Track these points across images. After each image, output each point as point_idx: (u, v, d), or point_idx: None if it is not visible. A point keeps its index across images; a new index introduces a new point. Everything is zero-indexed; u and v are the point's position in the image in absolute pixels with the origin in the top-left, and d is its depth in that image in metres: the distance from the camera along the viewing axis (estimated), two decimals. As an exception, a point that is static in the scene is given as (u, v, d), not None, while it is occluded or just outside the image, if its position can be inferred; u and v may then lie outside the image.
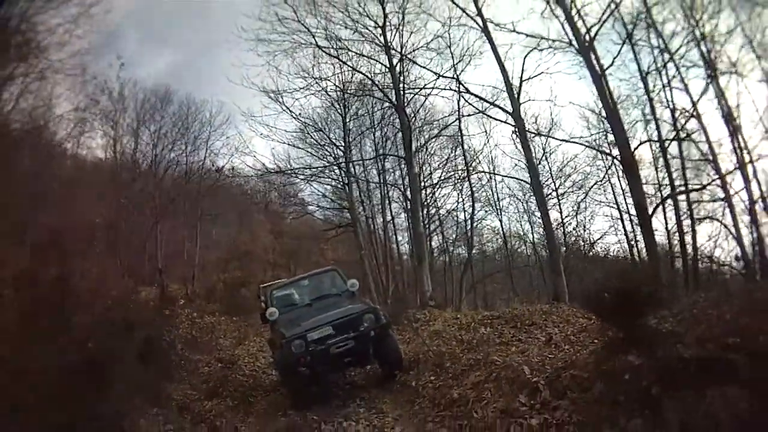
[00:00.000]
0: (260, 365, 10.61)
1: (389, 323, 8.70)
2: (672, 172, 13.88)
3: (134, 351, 6.49)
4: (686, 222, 13.21)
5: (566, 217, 16.64)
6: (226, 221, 21.62)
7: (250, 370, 10.27)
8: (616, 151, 13.93)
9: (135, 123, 17.72)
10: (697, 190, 14.12)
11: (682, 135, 13.01)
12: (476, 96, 13.82)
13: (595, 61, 12.90)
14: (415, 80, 15.04)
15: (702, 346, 4.95)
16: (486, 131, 17.40)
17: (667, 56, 12.87)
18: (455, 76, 13.99)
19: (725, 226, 14.43)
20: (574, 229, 16.90)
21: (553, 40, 13.34)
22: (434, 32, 14.38)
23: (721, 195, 12.59)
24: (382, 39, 14.43)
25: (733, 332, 4.89)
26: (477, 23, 13.54)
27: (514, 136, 13.34)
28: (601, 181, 15.28)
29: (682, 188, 13.59)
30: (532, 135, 13.39)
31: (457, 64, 14.14)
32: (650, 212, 12.76)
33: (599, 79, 12.99)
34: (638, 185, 12.59)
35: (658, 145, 13.58)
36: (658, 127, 14.07)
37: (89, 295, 6.26)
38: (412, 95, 14.74)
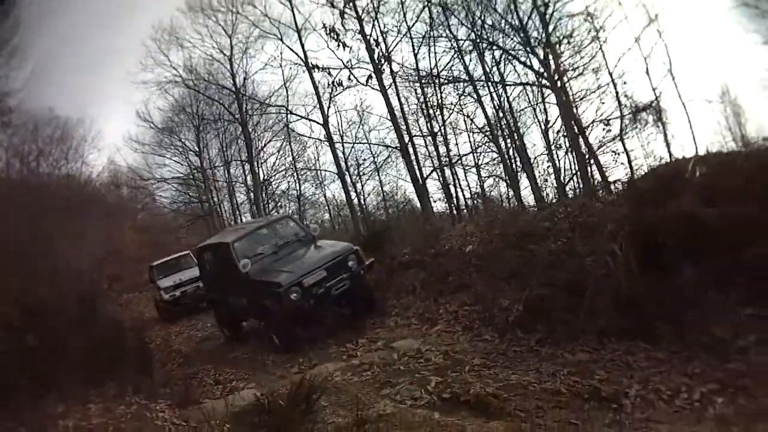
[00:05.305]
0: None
1: (372, 263, 8.85)
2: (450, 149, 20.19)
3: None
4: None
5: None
6: (96, 223, 24.11)
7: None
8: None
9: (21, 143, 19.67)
10: (453, 164, 20.82)
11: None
12: (297, 115, 18.73)
13: (390, 74, 17.88)
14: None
15: (412, 256, 10.72)
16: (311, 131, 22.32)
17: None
18: (285, 105, 18.71)
19: (505, 181, 21.17)
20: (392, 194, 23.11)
21: (355, 65, 18.27)
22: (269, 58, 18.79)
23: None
24: (229, 66, 18.83)
25: (425, 247, 10.71)
26: (300, 58, 18.20)
27: (322, 138, 18.45)
28: (385, 161, 21.10)
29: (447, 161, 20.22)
30: (337, 141, 18.71)
31: (286, 82, 18.78)
32: (422, 181, 18.89)
33: (385, 92, 18.52)
34: (411, 165, 18.42)
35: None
36: (429, 121, 20.33)
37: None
38: (251, 113, 19.26)
